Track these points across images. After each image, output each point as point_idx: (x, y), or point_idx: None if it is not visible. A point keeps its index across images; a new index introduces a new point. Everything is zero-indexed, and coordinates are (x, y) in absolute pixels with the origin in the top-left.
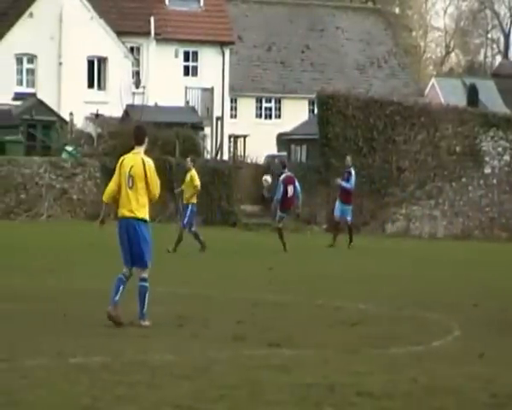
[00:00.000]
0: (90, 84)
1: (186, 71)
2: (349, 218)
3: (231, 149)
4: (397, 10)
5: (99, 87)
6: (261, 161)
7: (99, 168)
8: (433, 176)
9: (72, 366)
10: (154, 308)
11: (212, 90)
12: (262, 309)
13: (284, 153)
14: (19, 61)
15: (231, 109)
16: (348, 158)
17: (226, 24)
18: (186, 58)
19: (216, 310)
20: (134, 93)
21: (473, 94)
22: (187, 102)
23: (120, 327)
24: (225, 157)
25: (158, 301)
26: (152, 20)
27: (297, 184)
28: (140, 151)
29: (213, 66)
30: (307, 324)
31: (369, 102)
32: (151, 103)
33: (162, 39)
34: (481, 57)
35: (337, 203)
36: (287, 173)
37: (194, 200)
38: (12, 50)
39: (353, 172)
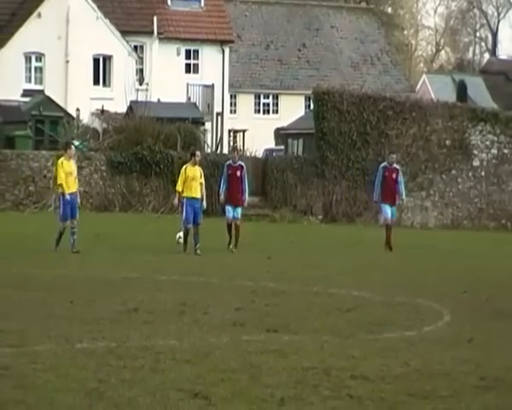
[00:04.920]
0: (96, 82)
1: (187, 68)
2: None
3: (231, 143)
4: (389, 10)
5: (104, 84)
6: (260, 154)
7: (105, 162)
8: (424, 168)
9: (79, 351)
10: (158, 296)
11: (212, 86)
12: (261, 296)
13: (282, 146)
14: (27, 59)
15: (231, 105)
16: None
17: (226, 23)
18: (188, 56)
19: (216, 297)
20: (138, 90)
21: (462, 90)
22: (188, 99)
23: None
24: (225, 151)
25: (161, 289)
26: (155, 19)
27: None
28: None
29: (214, 63)
30: (304, 310)
31: (363, 97)
32: (154, 99)
33: (165, 38)
34: (470, 55)
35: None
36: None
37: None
38: (21, 49)
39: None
